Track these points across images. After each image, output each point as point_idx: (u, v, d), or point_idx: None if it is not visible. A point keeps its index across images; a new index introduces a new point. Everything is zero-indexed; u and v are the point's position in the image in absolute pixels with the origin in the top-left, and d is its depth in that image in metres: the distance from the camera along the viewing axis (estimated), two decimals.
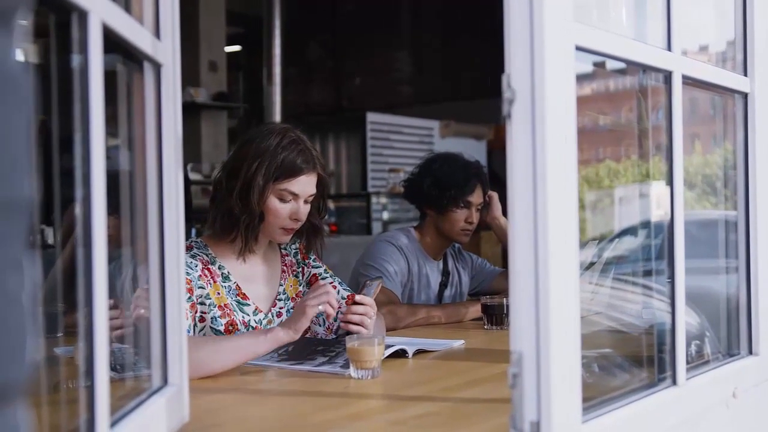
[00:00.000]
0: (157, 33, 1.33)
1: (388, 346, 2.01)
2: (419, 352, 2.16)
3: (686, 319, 1.53)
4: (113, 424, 1.07)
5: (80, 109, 0.98)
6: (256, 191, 2.14)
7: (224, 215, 2.19)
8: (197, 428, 1.44)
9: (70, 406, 1.15)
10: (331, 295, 1.99)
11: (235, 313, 2.18)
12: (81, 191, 0.98)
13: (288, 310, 2.30)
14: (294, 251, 2.41)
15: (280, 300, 2.32)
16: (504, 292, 2.90)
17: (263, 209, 2.18)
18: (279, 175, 2.15)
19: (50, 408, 1.08)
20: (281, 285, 2.33)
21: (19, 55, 0.57)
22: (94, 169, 0.98)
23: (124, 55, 1.24)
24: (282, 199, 2.18)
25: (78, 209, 0.99)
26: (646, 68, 1.52)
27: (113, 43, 1.09)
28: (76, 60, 0.99)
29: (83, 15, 0.97)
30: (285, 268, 2.37)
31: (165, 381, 1.35)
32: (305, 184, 2.20)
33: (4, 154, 0.52)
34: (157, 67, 1.33)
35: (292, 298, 2.34)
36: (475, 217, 2.97)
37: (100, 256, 0.99)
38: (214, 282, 2.17)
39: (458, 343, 2.33)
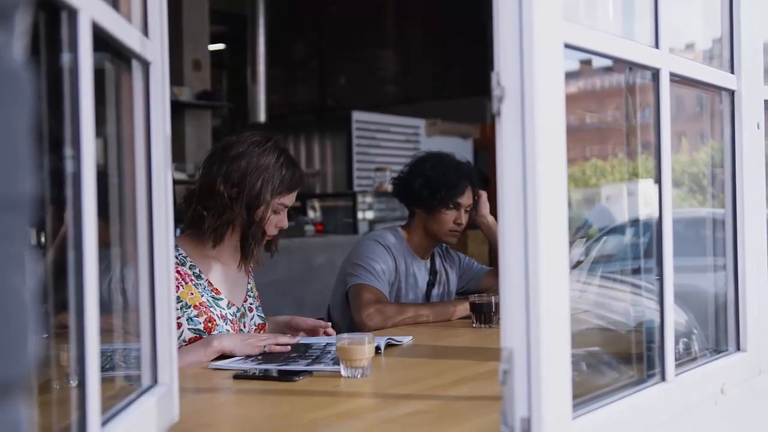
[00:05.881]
0: (145, 31, 1.32)
1: None
2: (389, 346, 2.21)
3: (674, 317, 1.53)
4: (104, 423, 1.06)
5: (70, 108, 0.98)
6: (263, 207, 2.23)
7: (225, 225, 2.24)
8: (187, 428, 1.43)
9: (57, 406, 1.15)
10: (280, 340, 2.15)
11: (212, 309, 2.23)
12: (71, 191, 0.97)
13: (257, 306, 2.43)
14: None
15: (250, 296, 2.41)
16: (492, 290, 2.91)
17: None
18: (281, 190, 2.26)
19: (38, 408, 1.07)
20: (249, 283, 2.43)
21: (19, 53, 0.57)
22: (85, 168, 0.98)
23: (112, 53, 1.23)
24: (276, 212, 2.27)
25: (68, 210, 0.98)
26: (634, 66, 1.52)
27: (101, 41, 1.08)
28: (65, 58, 0.98)
29: (73, 13, 0.96)
30: (250, 268, 2.46)
31: (155, 380, 1.34)
32: (294, 196, 2.33)
33: (6, 151, 0.52)
34: (145, 65, 1.32)
35: (257, 296, 2.46)
36: (464, 219, 2.97)
37: (90, 257, 0.98)
38: (186, 283, 2.19)
39: (407, 339, 2.35)
